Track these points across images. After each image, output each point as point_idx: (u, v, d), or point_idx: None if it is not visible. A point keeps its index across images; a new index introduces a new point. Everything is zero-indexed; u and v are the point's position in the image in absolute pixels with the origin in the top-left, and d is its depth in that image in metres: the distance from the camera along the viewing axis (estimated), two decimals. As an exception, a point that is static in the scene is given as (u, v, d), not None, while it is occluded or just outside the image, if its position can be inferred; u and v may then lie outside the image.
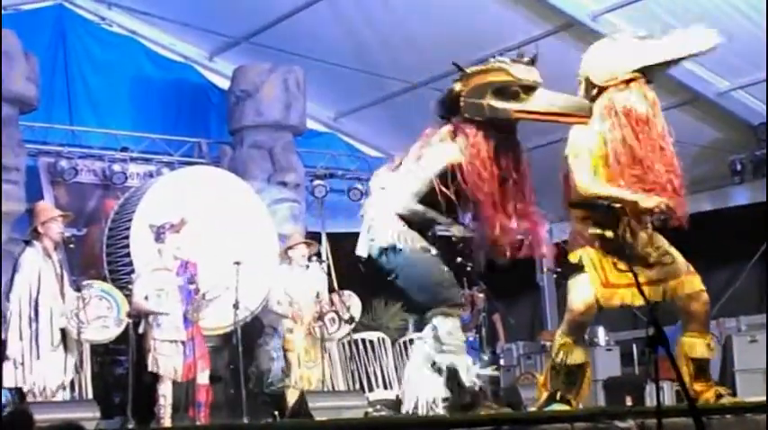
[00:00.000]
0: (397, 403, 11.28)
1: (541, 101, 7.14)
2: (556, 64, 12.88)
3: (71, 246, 9.62)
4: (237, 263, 9.87)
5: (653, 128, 7.40)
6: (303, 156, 14.04)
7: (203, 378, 9.48)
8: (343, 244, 14.56)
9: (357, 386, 11.04)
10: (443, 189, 7.14)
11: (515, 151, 7.38)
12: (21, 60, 11.54)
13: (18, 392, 8.92)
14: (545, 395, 7.59)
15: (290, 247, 10.73)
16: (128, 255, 11.03)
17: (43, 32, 13.15)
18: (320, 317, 10.40)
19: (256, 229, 11.84)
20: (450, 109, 7.26)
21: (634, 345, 13.85)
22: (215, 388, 9.98)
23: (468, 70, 7.24)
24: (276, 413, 10.49)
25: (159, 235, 9.63)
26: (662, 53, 7.54)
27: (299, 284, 10.41)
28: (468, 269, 11.80)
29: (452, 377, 7.18)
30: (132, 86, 13.82)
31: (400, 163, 7.46)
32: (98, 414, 8.34)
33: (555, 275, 12.61)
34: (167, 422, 9.17)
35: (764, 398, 8.35)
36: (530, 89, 7.11)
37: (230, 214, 11.68)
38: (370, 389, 11.10)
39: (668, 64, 7.72)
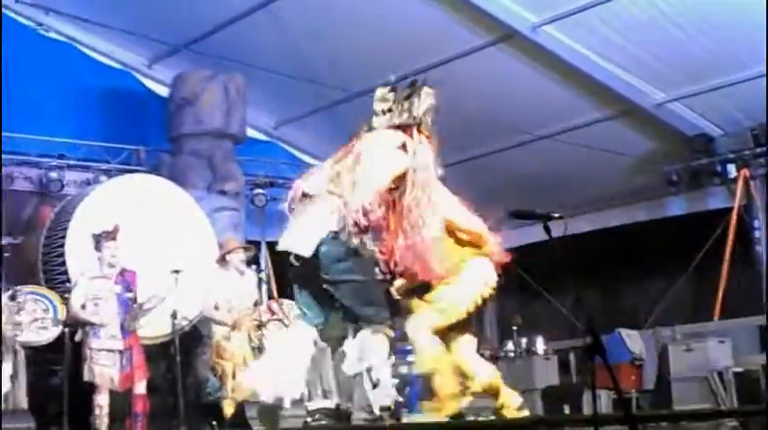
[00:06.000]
0: (336, 412, 11.28)
1: None
2: (496, 75, 13.17)
3: (6, 254, 9.49)
4: (176, 272, 9.78)
5: None
6: (243, 165, 13.97)
7: (141, 388, 9.35)
8: (282, 252, 14.54)
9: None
10: None
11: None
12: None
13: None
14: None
15: (228, 252, 10.62)
16: (63, 263, 10.89)
17: (-22, 38, 12.96)
18: (260, 325, 10.31)
19: (195, 238, 11.73)
20: None
21: (572, 354, 13.96)
22: (152, 398, 9.86)
23: None
24: (214, 423, 10.40)
25: (98, 243, 9.52)
26: None
27: (237, 290, 10.32)
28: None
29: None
30: (70, 93, 13.65)
31: None
32: (33, 425, 8.25)
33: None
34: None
35: (698, 406, 8.48)
36: None
37: (169, 223, 11.56)
38: (309, 399, 11.04)
39: None
